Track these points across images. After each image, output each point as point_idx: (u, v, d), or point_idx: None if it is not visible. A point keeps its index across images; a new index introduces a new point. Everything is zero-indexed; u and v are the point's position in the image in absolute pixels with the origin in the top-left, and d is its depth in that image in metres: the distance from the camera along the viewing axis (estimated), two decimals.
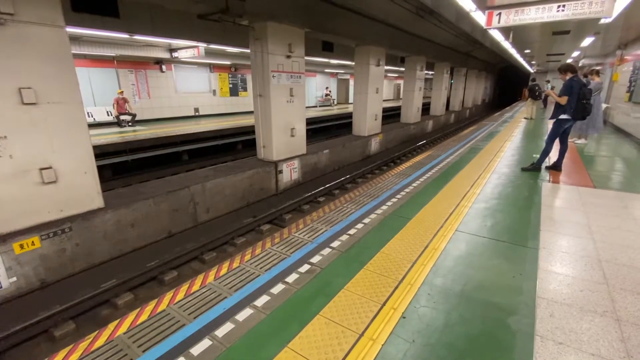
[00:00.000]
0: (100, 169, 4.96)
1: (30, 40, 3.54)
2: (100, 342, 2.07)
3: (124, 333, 2.13)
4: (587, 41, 10.96)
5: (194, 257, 4.68)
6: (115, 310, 3.68)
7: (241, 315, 2.21)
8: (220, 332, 2.08)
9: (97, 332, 2.19)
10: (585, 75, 7.70)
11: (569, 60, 17.46)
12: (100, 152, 7.88)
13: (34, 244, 3.73)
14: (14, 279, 3.63)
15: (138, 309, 2.39)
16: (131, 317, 2.30)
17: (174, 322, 2.19)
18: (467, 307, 2.24)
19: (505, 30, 9.76)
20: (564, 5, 5.70)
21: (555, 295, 2.35)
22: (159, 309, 2.35)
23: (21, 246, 3.63)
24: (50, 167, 3.84)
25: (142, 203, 4.74)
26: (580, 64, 18.08)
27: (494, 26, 6.51)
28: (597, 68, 8.56)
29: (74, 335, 3.32)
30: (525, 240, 3.18)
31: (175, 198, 5.16)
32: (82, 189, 4.19)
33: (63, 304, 3.49)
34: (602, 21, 6.86)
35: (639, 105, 8.61)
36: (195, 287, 2.60)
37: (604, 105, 11.54)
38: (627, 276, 2.56)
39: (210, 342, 1.99)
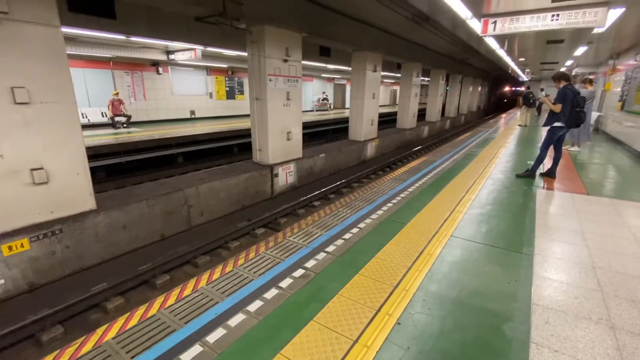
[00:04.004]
0: (93, 170, 4.91)
1: (25, 39, 3.50)
2: (87, 347, 2.02)
3: (113, 338, 2.08)
4: (580, 50, 11.13)
5: (187, 261, 4.62)
6: (105, 314, 3.61)
7: (233, 321, 2.17)
8: (211, 337, 2.03)
9: (85, 336, 2.13)
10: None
11: (563, 69, 17.72)
12: (94, 153, 7.80)
13: (23, 246, 3.65)
14: (2, 281, 3.55)
15: (128, 314, 2.34)
16: (121, 321, 2.25)
17: (165, 327, 2.15)
18: (463, 314, 2.23)
19: (501, 38, 9.89)
20: (558, 15, 5.79)
21: (550, 302, 2.34)
22: (150, 314, 2.30)
23: (10, 248, 3.56)
24: (41, 168, 3.77)
25: (135, 205, 4.67)
26: (573, 73, 18.35)
27: (489, 34, 6.59)
28: (590, 77, 8.69)
29: (62, 340, 3.24)
30: (520, 246, 3.18)
31: (169, 201, 5.11)
32: (74, 190, 4.12)
33: (51, 307, 3.41)
34: (595, 31, 6.98)
35: (631, 114, 8.74)
36: (187, 292, 2.55)
37: (596, 114, 11.72)
38: (621, 283, 2.57)
39: (201, 348, 1.95)
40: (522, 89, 25.79)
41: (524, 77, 24.91)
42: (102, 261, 4.40)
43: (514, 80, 33.36)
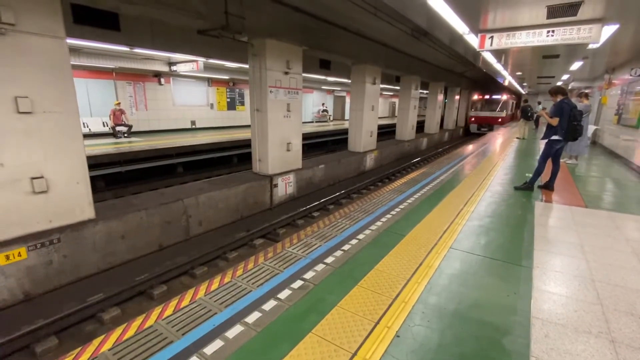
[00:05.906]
0: (93, 179, 4.91)
1: (30, 50, 3.56)
2: (83, 358, 1.99)
3: (109, 349, 2.05)
4: (576, 65, 11.32)
5: (185, 272, 4.59)
6: (101, 325, 3.56)
7: (231, 332, 2.16)
8: (209, 349, 2.01)
9: (80, 348, 2.11)
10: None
11: (559, 83, 17.97)
12: (94, 162, 7.81)
13: (20, 255, 3.63)
14: None
15: (125, 325, 2.31)
16: (117, 332, 2.23)
17: (162, 338, 2.12)
18: (462, 327, 2.21)
19: (498, 53, 10.06)
20: (553, 31, 5.93)
21: (549, 315, 2.33)
22: (147, 325, 2.28)
23: (7, 257, 3.54)
24: (41, 177, 3.79)
25: (133, 215, 4.67)
26: (569, 87, 18.60)
27: (486, 49, 6.72)
28: (586, 91, 8.81)
29: (57, 351, 3.19)
30: (519, 259, 3.18)
31: (167, 210, 5.10)
32: (73, 200, 4.12)
33: (46, 318, 3.37)
34: (590, 46, 7.12)
35: (627, 127, 8.84)
36: (185, 302, 2.53)
37: (592, 127, 11.84)
38: (621, 297, 2.56)
39: None
40: (505, 97, 22.53)
41: (515, 84, 21.18)
42: (100, 271, 4.36)
43: (493, 85, 22.97)
